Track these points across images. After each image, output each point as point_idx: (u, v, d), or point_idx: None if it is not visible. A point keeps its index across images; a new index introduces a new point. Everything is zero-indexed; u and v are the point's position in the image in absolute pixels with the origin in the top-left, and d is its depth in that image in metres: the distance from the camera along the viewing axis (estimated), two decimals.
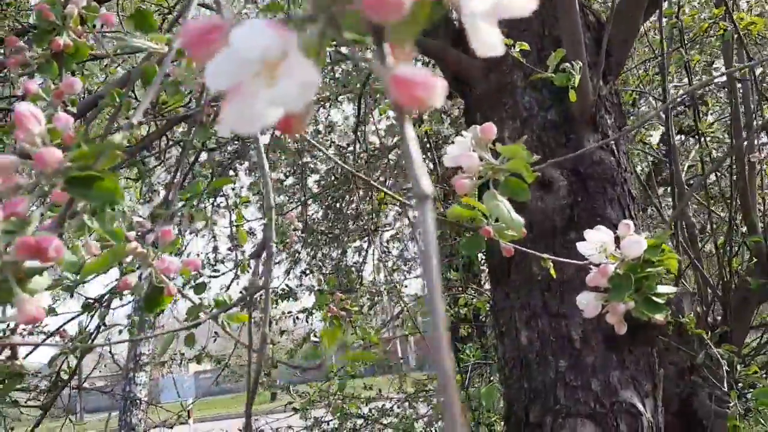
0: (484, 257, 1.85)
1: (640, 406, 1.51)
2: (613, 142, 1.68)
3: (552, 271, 0.88)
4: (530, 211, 1.59)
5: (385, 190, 1.21)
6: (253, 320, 0.73)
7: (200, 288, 1.24)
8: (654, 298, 0.80)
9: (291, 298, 3.96)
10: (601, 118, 1.67)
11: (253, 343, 0.74)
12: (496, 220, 0.78)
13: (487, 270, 1.89)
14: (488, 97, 1.73)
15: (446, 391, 0.20)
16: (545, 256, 0.87)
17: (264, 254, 0.70)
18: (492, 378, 2.49)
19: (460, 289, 3.27)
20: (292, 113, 0.27)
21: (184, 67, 0.84)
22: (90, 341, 2.01)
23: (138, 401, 6.32)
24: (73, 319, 1.83)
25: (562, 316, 1.57)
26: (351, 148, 4.24)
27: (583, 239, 1.69)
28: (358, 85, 2.78)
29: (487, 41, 0.28)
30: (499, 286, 1.72)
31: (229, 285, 2.71)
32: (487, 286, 3.74)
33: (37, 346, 1.49)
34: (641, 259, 0.81)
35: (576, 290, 1.59)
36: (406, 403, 3.71)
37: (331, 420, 3.82)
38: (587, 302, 0.83)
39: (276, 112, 0.27)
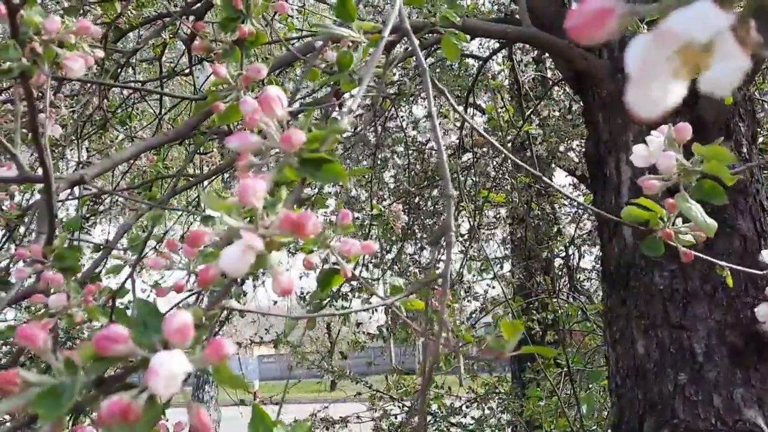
0: (600, 263, 1.81)
1: (765, 428, 1.45)
2: (745, 150, 1.61)
3: (729, 280, 0.85)
4: None
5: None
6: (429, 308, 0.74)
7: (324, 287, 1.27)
8: None
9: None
10: (734, 125, 1.61)
11: (428, 330, 0.75)
12: (685, 221, 0.76)
13: (600, 275, 1.85)
14: (613, 99, 1.69)
15: None
16: (722, 263, 0.84)
17: (443, 242, 0.70)
18: (591, 386, 2.44)
19: (548, 294, 3.22)
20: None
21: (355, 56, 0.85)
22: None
23: (210, 380, 6.53)
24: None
25: (684, 328, 1.52)
26: (430, 145, 4.25)
27: (710, 250, 1.63)
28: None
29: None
30: (615, 293, 1.68)
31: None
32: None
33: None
34: None
35: (700, 302, 1.55)
36: (475, 404, 3.67)
37: (399, 413, 3.83)
38: (766, 314, 0.80)
39: (674, 97, 0.27)
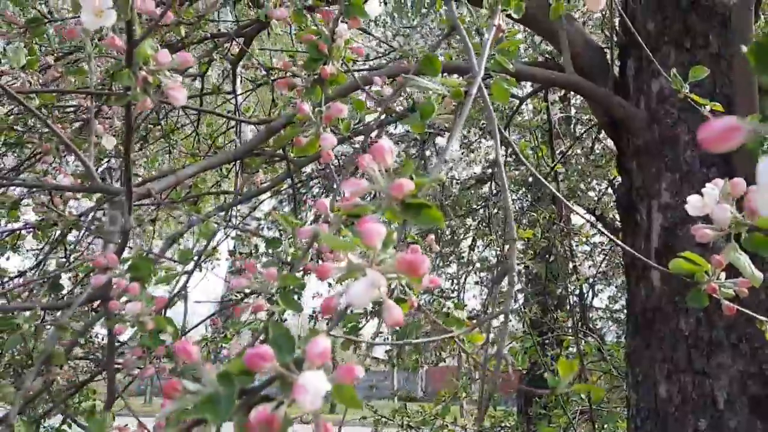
0: (626, 305, 1.86)
1: None
2: None
3: (767, 335, 0.90)
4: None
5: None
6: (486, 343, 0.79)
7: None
8: None
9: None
10: None
11: (485, 361, 0.80)
12: (733, 275, 0.81)
13: (626, 318, 1.89)
14: (648, 149, 1.75)
15: None
16: (762, 318, 0.89)
17: (505, 282, 0.76)
18: (606, 426, 2.47)
19: (564, 330, 3.25)
20: None
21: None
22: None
23: None
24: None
25: (707, 375, 1.56)
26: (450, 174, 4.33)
27: (738, 301, 1.67)
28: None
29: None
30: (639, 335, 1.72)
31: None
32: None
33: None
34: None
35: (724, 351, 1.59)
36: None
37: None
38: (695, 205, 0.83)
39: None
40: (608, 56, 1.92)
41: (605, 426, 2.43)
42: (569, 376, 0.73)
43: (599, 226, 4.58)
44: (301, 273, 0.95)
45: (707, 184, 0.84)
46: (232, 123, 2.59)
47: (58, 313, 1.22)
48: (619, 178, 2.02)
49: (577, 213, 1.06)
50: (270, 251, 1.00)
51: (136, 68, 0.81)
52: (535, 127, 2.30)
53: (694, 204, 0.82)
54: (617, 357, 2.94)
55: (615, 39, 1.90)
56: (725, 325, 1.58)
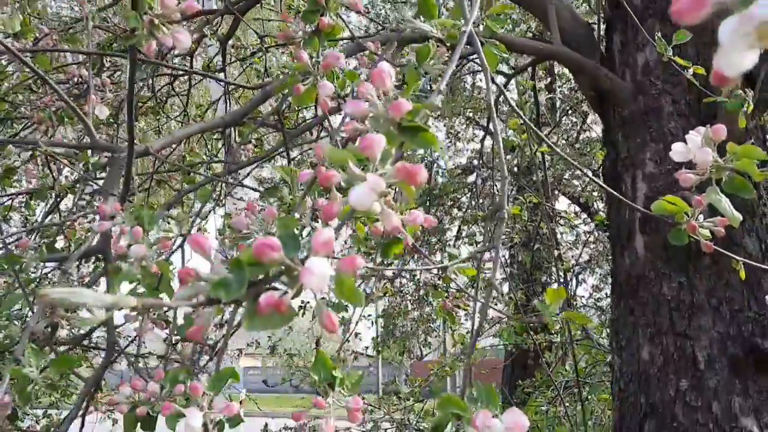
0: (611, 275, 1.91)
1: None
2: None
3: (741, 273, 0.94)
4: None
5: None
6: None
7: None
8: None
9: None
10: None
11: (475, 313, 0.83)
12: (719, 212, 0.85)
13: (610, 286, 1.94)
14: (633, 119, 1.79)
15: None
16: (737, 258, 0.94)
17: (495, 218, 0.80)
18: (590, 397, 2.52)
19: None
20: None
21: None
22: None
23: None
24: None
25: (688, 337, 1.61)
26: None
27: (717, 265, 1.73)
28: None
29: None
30: (623, 302, 1.77)
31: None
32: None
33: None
34: None
35: (705, 314, 1.64)
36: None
37: (389, 428, 3.88)
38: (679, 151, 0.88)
39: (748, 63, 0.37)
40: (595, 31, 1.96)
41: (590, 397, 2.48)
42: (557, 303, 0.77)
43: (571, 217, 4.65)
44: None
45: (690, 131, 0.88)
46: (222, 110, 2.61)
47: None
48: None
49: (580, 169, 1.09)
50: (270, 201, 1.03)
51: (141, 11, 0.84)
52: (522, 105, 2.35)
53: (677, 150, 0.86)
54: (601, 336, 3.00)
55: (601, 14, 1.94)
56: (706, 289, 1.63)
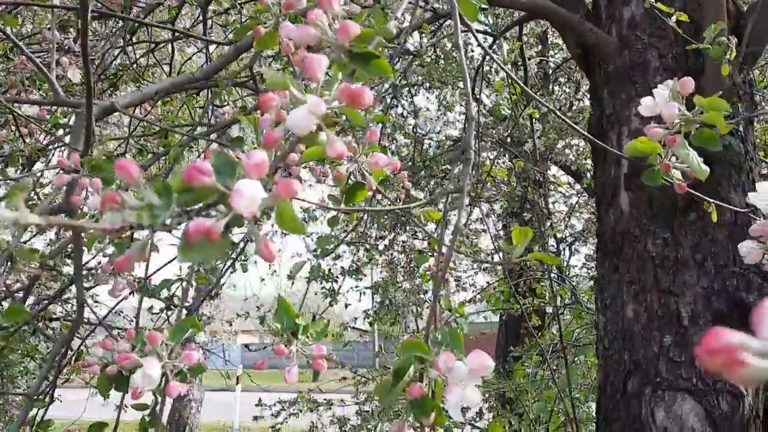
0: (596, 234, 1.89)
1: (743, 388, 1.52)
2: (742, 130, 1.69)
3: (714, 216, 0.92)
4: (652, 188, 1.62)
5: None
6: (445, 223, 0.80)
7: (333, 222, 1.33)
8: None
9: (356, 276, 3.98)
10: (732, 105, 1.68)
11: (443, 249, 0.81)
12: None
13: (596, 245, 1.92)
14: (619, 75, 1.76)
15: None
16: (709, 199, 0.91)
17: (462, 158, 0.77)
18: (577, 359, 2.53)
19: (539, 274, 3.30)
20: None
21: None
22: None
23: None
24: None
25: (673, 293, 1.60)
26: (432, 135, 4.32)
27: (702, 220, 1.70)
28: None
29: None
30: (608, 260, 1.75)
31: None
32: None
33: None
34: None
35: (690, 270, 1.63)
36: None
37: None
38: (748, 250, 0.87)
39: None
40: None
41: (576, 359, 2.48)
42: (524, 242, 0.74)
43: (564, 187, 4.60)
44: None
45: (659, 85, 0.85)
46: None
47: None
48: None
49: (567, 122, 1.06)
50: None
51: None
52: (508, 62, 2.30)
53: (646, 105, 0.84)
54: (590, 301, 3.00)
55: None
56: (691, 245, 1.61)
